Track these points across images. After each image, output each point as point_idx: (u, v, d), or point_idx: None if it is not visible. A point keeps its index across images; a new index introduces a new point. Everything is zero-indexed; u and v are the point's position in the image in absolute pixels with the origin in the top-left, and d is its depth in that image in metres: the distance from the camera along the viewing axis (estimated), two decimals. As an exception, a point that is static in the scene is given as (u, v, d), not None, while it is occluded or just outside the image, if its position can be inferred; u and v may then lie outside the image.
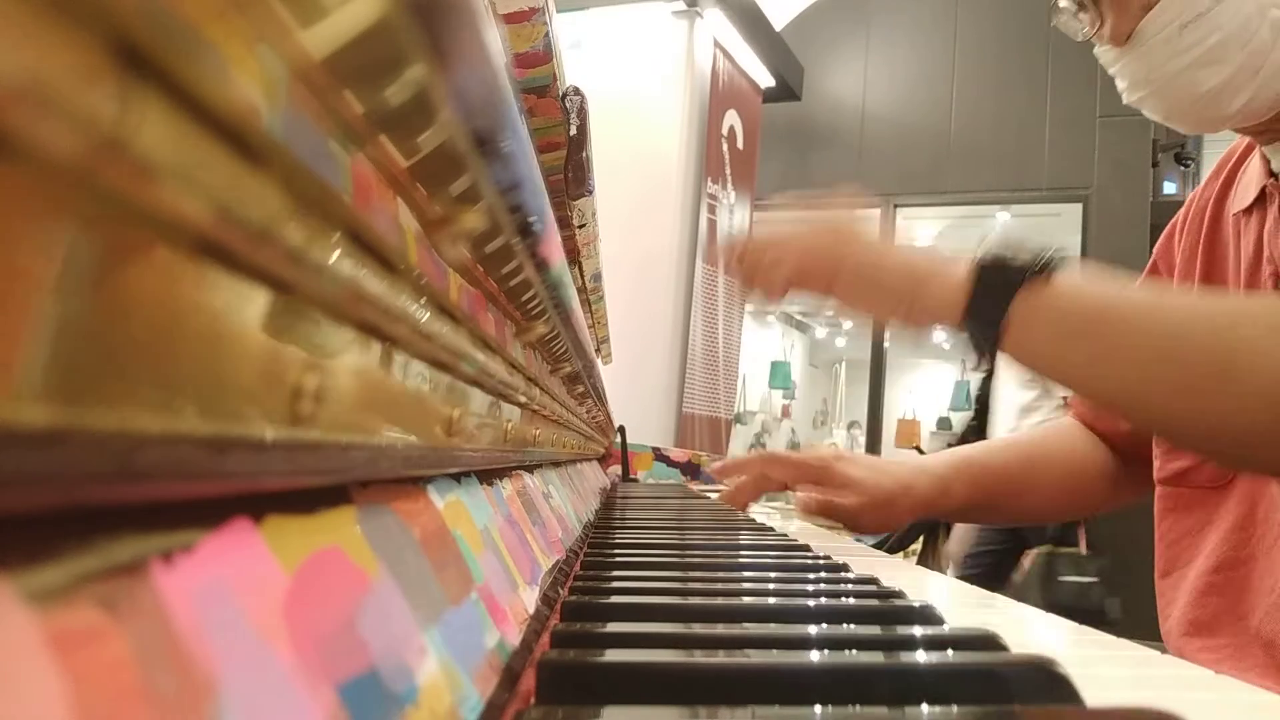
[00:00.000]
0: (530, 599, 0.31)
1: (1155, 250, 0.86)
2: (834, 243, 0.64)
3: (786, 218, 0.68)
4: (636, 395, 2.69)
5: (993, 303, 0.58)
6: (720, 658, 0.24)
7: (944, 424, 6.38)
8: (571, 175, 0.72)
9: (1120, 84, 0.71)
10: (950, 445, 1.83)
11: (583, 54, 2.83)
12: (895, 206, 4.62)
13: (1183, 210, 0.83)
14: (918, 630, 0.30)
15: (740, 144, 3.32)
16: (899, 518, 0.88)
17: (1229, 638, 0.66)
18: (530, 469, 0.50)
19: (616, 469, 1.56)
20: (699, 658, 0.24)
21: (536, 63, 0.59)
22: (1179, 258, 0.81)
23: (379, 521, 0.20)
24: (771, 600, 0.35)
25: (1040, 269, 0.58)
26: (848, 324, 9.12)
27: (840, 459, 0.90)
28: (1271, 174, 0.70)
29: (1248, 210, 0.72)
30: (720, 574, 0.43)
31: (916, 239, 6.70)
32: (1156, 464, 0.78)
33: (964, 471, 0.91)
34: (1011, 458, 0.95)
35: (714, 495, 1.17)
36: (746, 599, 0.35)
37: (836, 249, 0.64)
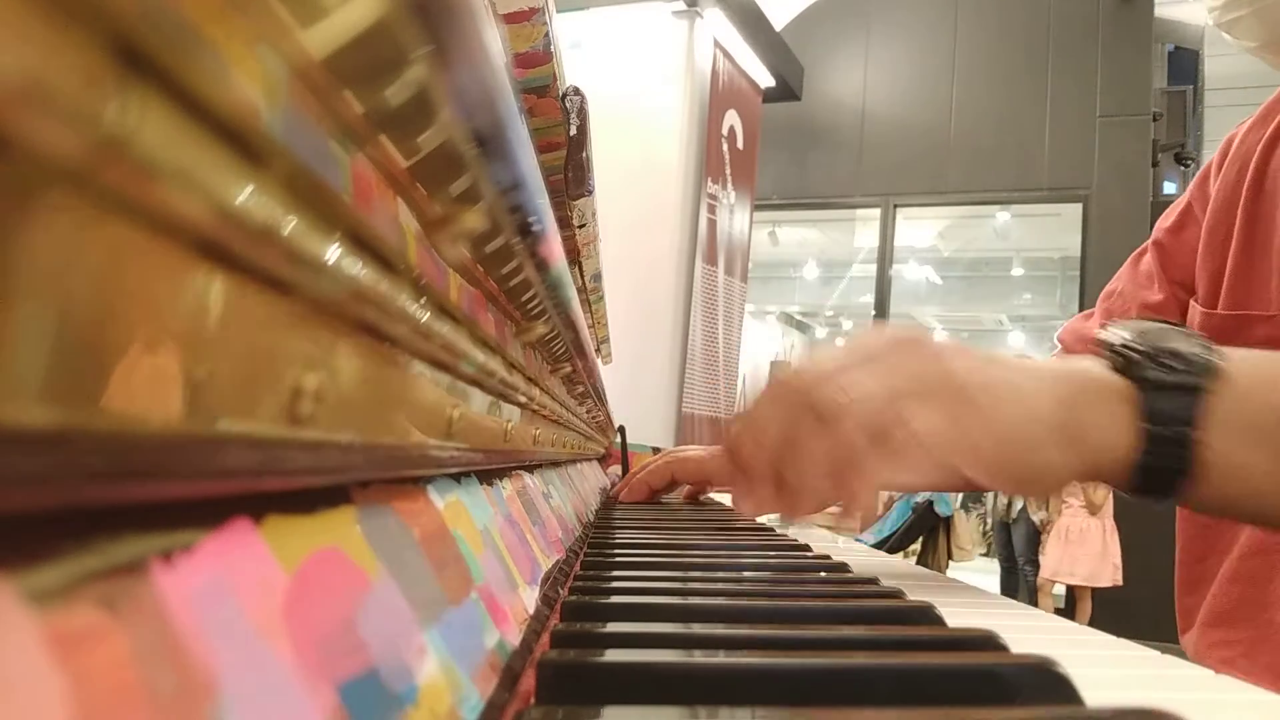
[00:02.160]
0: (530, 599, 0.31)
1: (1190, 191, 0.79)
2: (925, 359, 0.44)
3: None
4: (636, 395, 2.69)
5: (1175, 407, 0.42)
6: (720, 658, 0.24)
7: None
8: (571, 175, 0.72)
9: (1213, 2, 0.65)
10: None
11: (583, 54, 2.83)
12: (895, 206, 4.63)
13: (1219, 150, 0.77)
14: (917, 630, 0.30)
15: (740, 144, 3.32)
16: None
17: (1248, 630, 0.64)
18: (530, 469, 0.50)
19: (616, 469, 1.56)
20: (699, 658, 0.24)
21: (536, 63, 0.59)
22: (1210, 206, 0.74)
23: (379, 521, 0.20)
24: (771, 600, 0.35)
25: (1211, 359, 0.43)
26: (848, 324, 9.13)
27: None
28: None
29: None
30: (720, 574, 0.43)
31: (916, 239, 6.63)
32: None
33: None
34: None
35: (714, 495, 1.17)
36: (746, 599, 0.35)
37: (935, 365, 0.44)
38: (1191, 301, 0.74)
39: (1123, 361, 0.45)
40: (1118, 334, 0.46)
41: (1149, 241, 0.82)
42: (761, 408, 0.46)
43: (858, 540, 0.95)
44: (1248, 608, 0.65)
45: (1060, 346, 0.90)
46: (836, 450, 0.42)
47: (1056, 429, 0.43)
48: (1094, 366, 0.46)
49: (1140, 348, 0.44)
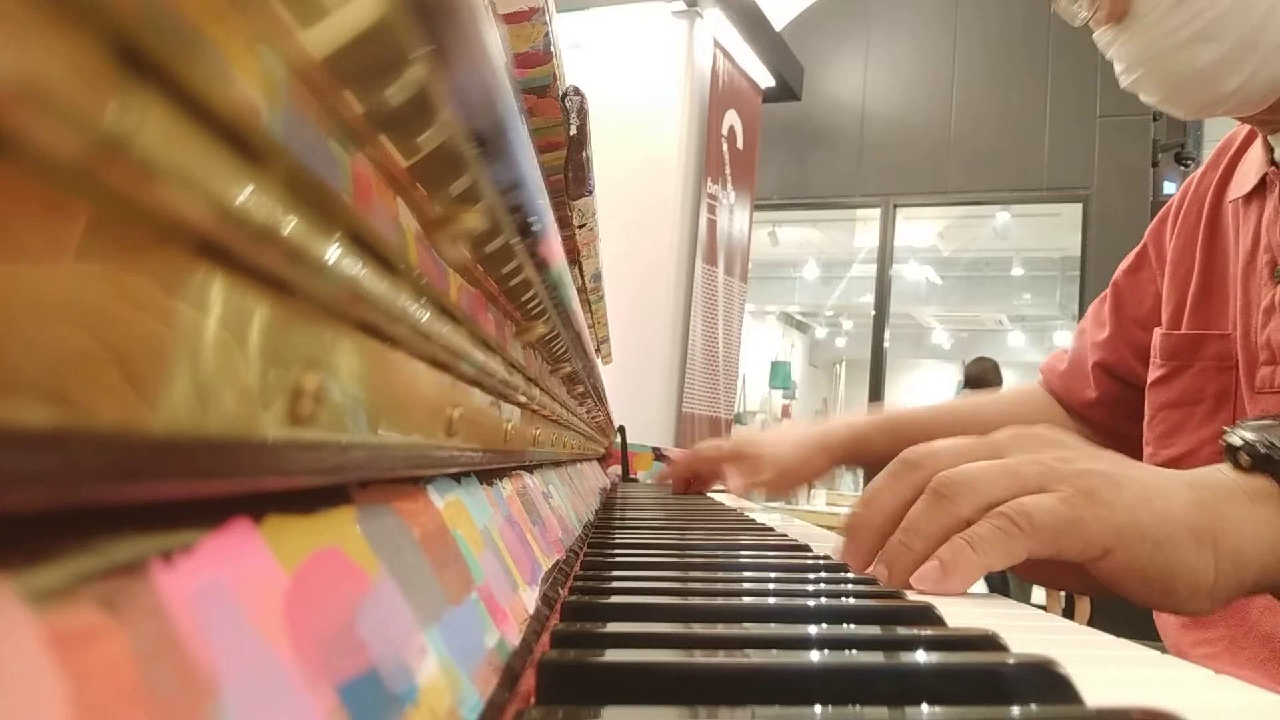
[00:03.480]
0: (530, 599, 0.31)
1: (1146, 234, 0.85)
2: (1054, 451, 0.44)
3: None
4: (636, 395, 2.69)
5: None
6: (720, 658, 0.24)
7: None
8: (571, 175, 0.72)
9: (1118, 67, 0.69)
10: None
11: (583, 54, 2.83)
12: (895, 206, 4.62)
13: (1177, 196, 0.82)
14: (917, 630, 0.30)
15: (740, 144, 3.31)
16: (817, 472, 0.97)
17: (1225, 629, 0.66)
18: (530, 469, 0.50)
19: (616, 469, 1.56)
20: (699, 658, 0.24)
21: (536, 63, 0.59)
22: (1172, 245, 0.80)
23: (379, 521, 0.20)
24: (771, 600, 0.35)
25: None
26: (848, 324, 9.13)
27: (749, 443, 1.04)
28: (1273, 162, 0.69)
29: (1247, 198, 0.71)
30: (720, 574, 0.43)
31: (916, 239, 6.67)
32: (1148, 450, 0.78)
33: (884, 424, 0.98)
34: (942, 415, 0.98)
35: (714, 495, 1.17)
36: (746, 599, 0.35)
37: (1062, 455, 0.44)
38: (1155, 329, 0.81)
39: (1256, 459, 0.44)
40: (1241, 436, 0.46)
41: (1110, 284, 0.90)
42: (882, 482, 0.47)
43: None
44: (1222, 609, 0.66)
45: (1042, 378, 0.96)
46: (949, 526, 0.42)
47: (1190, 528, 0.42)
48: (1221, 470, 0.45)
49: (1271, 443, 0.44)
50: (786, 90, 3.67)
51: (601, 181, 0.88)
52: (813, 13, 4.56)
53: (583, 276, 0.96)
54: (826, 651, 0.26)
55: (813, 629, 0.30)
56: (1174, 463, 0.75)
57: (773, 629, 0.30)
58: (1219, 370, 0.72)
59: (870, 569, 0.45)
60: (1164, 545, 0.41)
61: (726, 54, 3.18)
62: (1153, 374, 0.79)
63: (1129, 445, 0.89)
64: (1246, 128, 0.75)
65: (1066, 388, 0.91)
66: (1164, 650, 0.32)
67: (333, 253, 0.15)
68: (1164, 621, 0.74)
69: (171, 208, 0.11)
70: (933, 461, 0.45)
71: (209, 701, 0.11)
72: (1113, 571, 0.42)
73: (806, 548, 0.56)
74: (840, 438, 0.98)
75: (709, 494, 1.18)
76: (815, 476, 0.98)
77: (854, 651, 0.27)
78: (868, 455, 0.97)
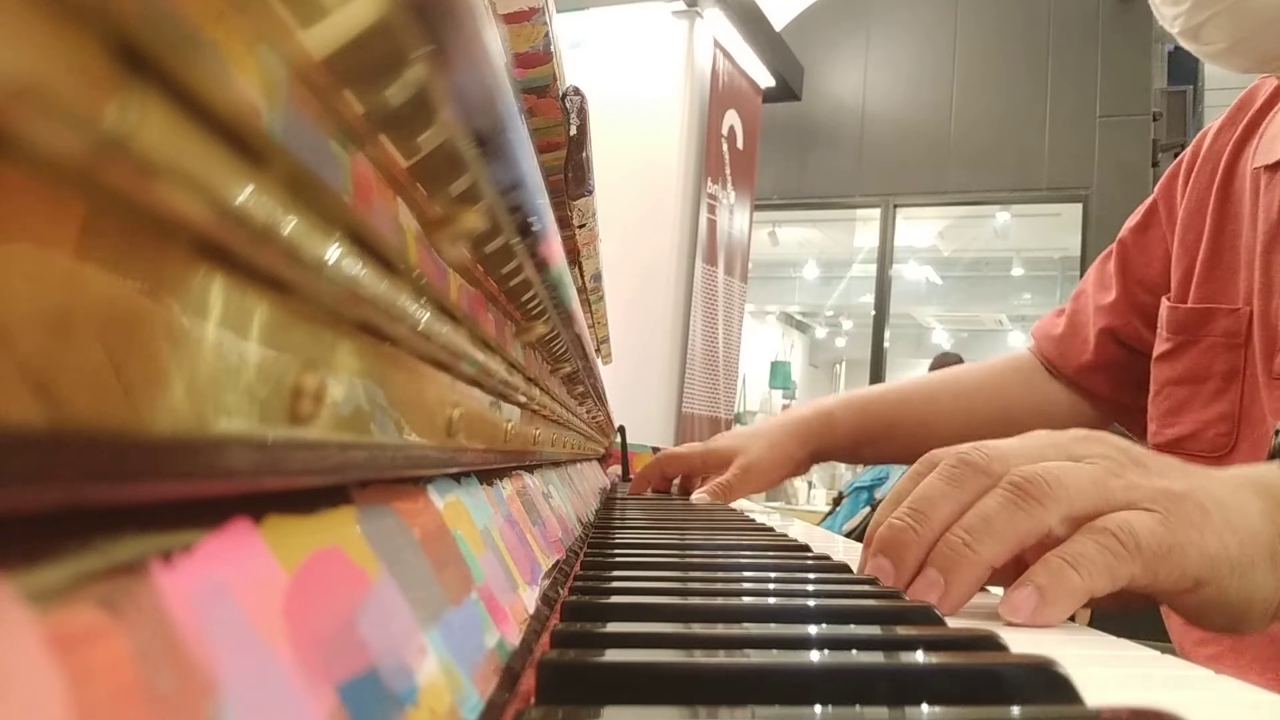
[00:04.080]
0: (530, 599, 0.31)
1: (1157, 189, 0.81)
2: (1125, 460, 0.40)
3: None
4: (636, 395, 2.69)
5: None
6: (720, 658, 0.24)
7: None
8: (571, 175, 0.72)
9: (1176, 8, 0.62)
10: None
11: (583, 54, 2.83)
12: (895, 206, 4.63)
13: (1190, 151, 0.78)
14: (917, 630, 0.30)
15: (740, 144, 3.31)
16: (790, 460, 0.92)
17: None
18: (530, 469, 0.50)
19: (616, 469, 1.56)
20: (699, 658, 0.24)
21: (536, 63, 0.59)
22: (1183, 206, 0.76)
23: (379, 521, 0.20)
24: (771, 600, 0.35)
25: None
26: (848, 324, 9.13)
27: (716, 441, 0.99)
28: None
29: (1273, 166, 0.67)
30: (720, 574, 0.43)
31: (916, 239, 6.67)
32: (1152, 428, 0.75)
33: (849, 401, 0.93)
34: (913, 390, 0.95)
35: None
36: (746, 599, 0.35)
37: (1141, 469, 0.39)
38: (1163, 299, 0.76)
39: None
40: None
41: (1115, 241, 0.85)
42: (937, 488, 0.40)
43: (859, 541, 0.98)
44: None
45: (1034, 344, 0.93)
46: (1030, 533, 0.37)
47: (1269, 549, 0.39)
48: (1275, 469, 0.42)
49: None
50: (786, 90, 3.67)
51: (601, 181, 0.88)
52: (813, 13, 4.56)
53: (583, 276, 0.96)
54: (826, 651, 0.26)
55: (813, 629, 0.30)
56: (1177, 443, 0.72)
57: (773, 629, 0.30)
58: (1227, 347, 0.69)
59: (912, 586, 0.38)
60: (1248, 572, 0.38)
61: (726, 54, 3.18)
62: (1159, 348, 0.75)
63: (1129, 419, 0.85)
64: (1272, 85, 0.70)
65: (1062, 353, 0.87)
66: (1162, 650, 0.32)
67: (333, 253, 0.15)
68: (1169, 615, 0.73)
69: (171, 208, 0.11)
70: (1003, 464, 0.39)
71: (209, 701, 0.11)
72: (1197, 606, 0.38)
73: (806, 548, 0.56)
74: (804, 419, 0.94)
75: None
76: (790, 467, 0.93)
77: (854, 651, 0.27)
78: (835, 435, 0.93)
